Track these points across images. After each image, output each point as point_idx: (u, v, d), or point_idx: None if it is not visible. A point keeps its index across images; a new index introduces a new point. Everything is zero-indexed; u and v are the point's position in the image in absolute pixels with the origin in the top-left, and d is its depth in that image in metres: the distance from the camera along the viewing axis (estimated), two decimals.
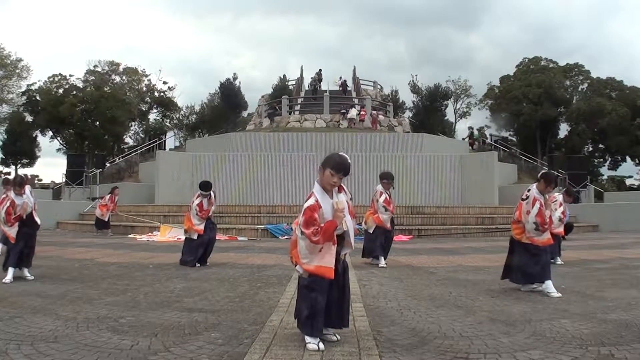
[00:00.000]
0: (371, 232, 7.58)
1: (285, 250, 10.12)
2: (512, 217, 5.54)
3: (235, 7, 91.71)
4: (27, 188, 6.21)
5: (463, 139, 30.85)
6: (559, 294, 4.98)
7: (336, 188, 3.36)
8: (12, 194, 6.00)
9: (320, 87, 31.23)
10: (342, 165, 3.28)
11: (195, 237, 7.46)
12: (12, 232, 5.92)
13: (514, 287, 5.46)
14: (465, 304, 4.64)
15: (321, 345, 3.14)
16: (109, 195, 14.55)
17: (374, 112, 26.21)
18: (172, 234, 12.51)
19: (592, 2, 74.14)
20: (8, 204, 5.92)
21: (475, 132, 32.74)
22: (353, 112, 24.84)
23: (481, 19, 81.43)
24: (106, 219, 14.11)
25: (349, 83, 32.71)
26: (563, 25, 71.06)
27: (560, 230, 7.46)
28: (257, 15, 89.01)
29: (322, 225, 3.17)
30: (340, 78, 31.68)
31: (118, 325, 3.72)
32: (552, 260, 7.85)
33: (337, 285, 3.31)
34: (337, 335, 3.34)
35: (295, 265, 3.32)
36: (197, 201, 7.53)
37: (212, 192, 7.70)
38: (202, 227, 7.49)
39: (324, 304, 3.23)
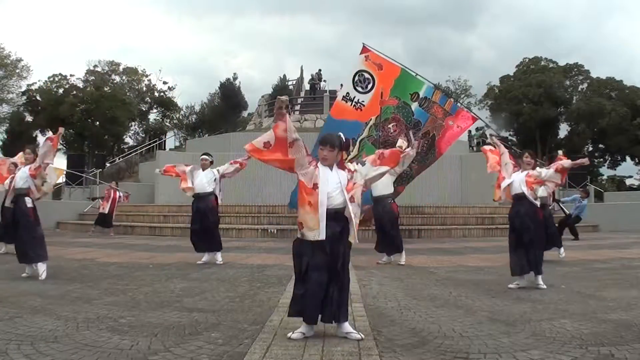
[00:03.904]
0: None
1: (285, 250, 10.10)
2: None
3: (232, 7, 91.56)
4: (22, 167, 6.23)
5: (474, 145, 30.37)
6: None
7: (335, 165, 3.53)
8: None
9: (320, 87, 31.19)
10: (325, 138, 3.56)
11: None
12: None
13: (514, 287, 5.47)
14: (465, 304, 4.64)
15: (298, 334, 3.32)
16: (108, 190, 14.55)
17: None
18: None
19: (591, 2, 74.09)
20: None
21: (476, 132, 32.75)
22: None
23: (480, 18, 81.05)
24: (106, 212, 13.87)
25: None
26: (562, 25, 70.77)
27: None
28: (254, 15, 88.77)
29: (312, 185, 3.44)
30: (342, 86, 31.68)
31: (118, 325, 3.72)
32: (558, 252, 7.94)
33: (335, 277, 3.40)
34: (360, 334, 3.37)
35: None
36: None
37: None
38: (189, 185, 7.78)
39: (317, 289, 3.34)
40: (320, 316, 3.40)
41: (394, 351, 3.14)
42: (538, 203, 5.74)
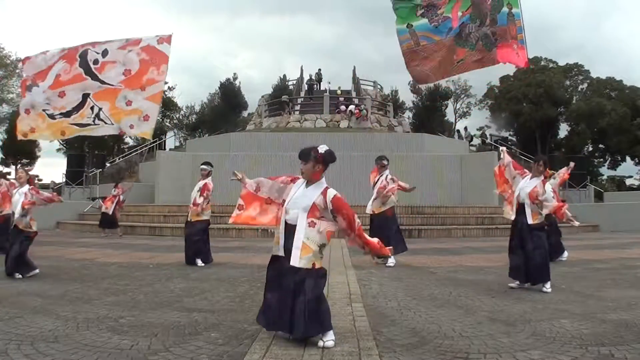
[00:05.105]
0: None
1: None
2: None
3: (232, 7, 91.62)
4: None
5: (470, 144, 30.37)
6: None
7: (315, 184, 3.47)
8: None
9: (319, 87, 31.19)
10: (301, 152, 3.60)
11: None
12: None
13: (515, 287, 5.47)
14: (465, 304, 4.64)
15: None
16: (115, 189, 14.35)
17: (360, 107, 26.21)
18: None
19: (591, 2, 74.05)
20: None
21: (476, 132, 32.81)
22: (351, 107, 25.10)
23: None
24: (110, 212, 13.66)
25: (349, 83, 32.83)
26: (562, 25, 70.88)
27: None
28: (254, 15, 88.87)
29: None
30: (339, 88, 31.75)
31: (118, 325, 3.72)
32: (560, 258, 7.91)
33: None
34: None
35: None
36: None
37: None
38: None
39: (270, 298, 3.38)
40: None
41: (394, 351, 3.14)
42: (544, 213, 5.59)
